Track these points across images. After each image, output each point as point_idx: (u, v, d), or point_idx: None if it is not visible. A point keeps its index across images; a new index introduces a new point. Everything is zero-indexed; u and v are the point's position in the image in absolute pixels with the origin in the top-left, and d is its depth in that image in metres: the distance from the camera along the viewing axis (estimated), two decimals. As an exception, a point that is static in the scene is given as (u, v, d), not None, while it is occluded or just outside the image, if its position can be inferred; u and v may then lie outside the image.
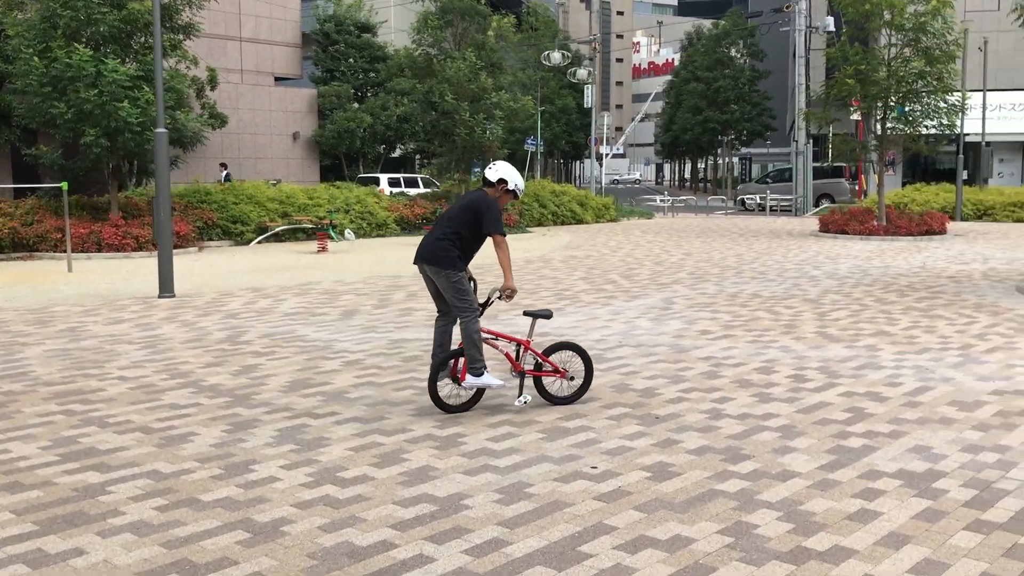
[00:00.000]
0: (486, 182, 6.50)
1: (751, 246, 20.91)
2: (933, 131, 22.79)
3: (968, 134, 32.10)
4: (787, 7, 39.82)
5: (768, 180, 42.31)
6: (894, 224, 23.06)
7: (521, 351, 6.66)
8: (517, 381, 6.77)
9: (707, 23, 70.42)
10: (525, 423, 6.28)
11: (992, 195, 29.89)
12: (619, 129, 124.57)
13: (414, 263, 6.52)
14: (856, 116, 30.70)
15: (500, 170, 6.49)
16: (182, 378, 7.73)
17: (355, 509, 4.71)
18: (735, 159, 66.65)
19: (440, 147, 27.00)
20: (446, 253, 6.32)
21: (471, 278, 6.57)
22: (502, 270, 6.42)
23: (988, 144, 33.30)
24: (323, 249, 19.68)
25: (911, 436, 5.97)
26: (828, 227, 24.10)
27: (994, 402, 6.83)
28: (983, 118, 31.48)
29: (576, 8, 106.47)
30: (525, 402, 6.62)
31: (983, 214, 29.31)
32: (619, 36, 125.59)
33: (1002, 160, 44.05)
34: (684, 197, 40.75)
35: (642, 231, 26.37)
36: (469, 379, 6.39)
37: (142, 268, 16.29)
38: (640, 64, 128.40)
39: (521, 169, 51.06)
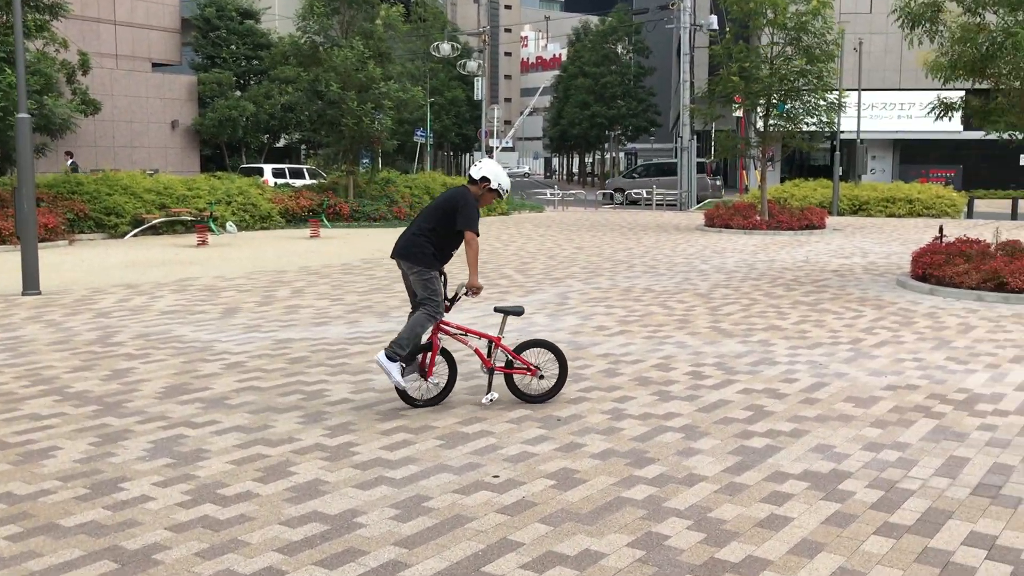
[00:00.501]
0: (470, 180, 6.42)
1: (640, 240, 21.06)
2: (813, 128, 23.43)
3: (843, 131, 33.27)
4: (672, 5, 40.43)
5: (635, 175, 42.60)
6: (776, 219, 23.63)
7: (492, 347, 6.50)
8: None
9: (594, 19, 71.19)
10: (421, 429, 5.96)
11: (866, 191, 31.02)
12: (508, 122, 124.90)
13: (391, 257, 6.42)
14: (739, 113, 31.43)
15: (484, 168, 6.42)
16: (45, 384, 7.09)
17: (237, 531, 4.31)
18: (622, 154, 67.60)
19: (327, 137, 26.28)
20: (421, 250, 6.24)
21: (441, 272, 6.46)
22: (468, 267, 6.32)
23: (862, 141, 34.60)
24: (203, 243, 18.81)
25: (812, 435, 5.92)
26: (713, 221, 24.53)
27: (888, 397, 6.88)
28: (858, 116, 32.68)
29: (464, 1, 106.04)
30: (491, 400, 6.51)
31: (858, 209, 30.39)
32: (507, 30, 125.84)
33: (874, 157, 46.00)
34: (574, 191, 40.92)
35: (533, 225, 26.30)
36: (380, 356, 6.19)
37: (4, 263, 15.19)
38: (528, 58, 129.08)
39: (410, 160, 50.49)
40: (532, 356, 6.70)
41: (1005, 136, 12.77)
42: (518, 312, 6.60)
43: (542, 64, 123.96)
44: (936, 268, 12.64)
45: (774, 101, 22.87)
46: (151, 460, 5.32)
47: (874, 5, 43.86)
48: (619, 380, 7.37)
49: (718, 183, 41.70)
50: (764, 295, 12.27)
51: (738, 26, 24.74)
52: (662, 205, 36.75)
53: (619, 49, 62.63)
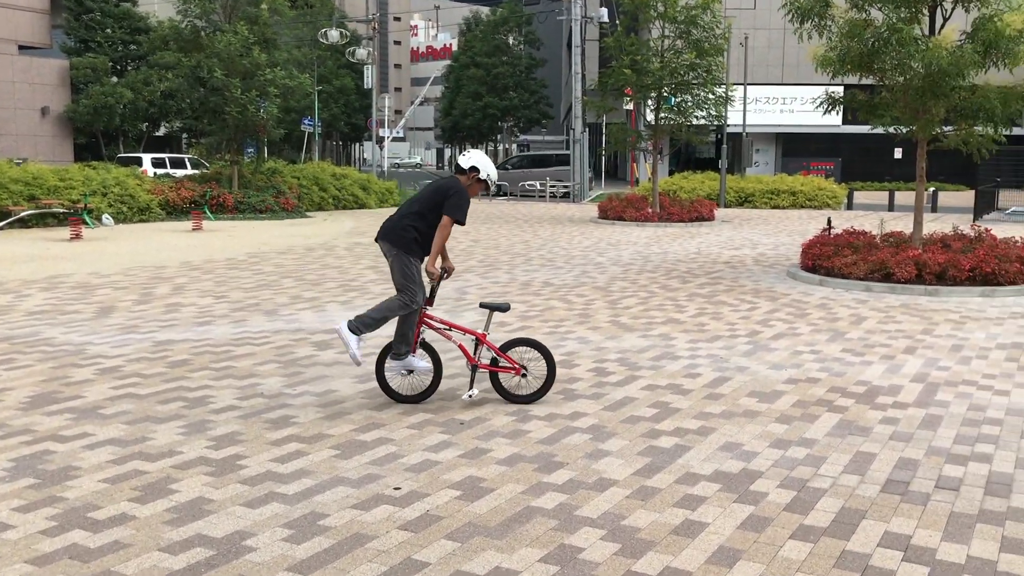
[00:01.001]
0: (459, 169, 6.31)
1: (537, 233, 20.95)
2: (703, 121, 23.76)
3: (729, 125, 34.00)
4: (563, -4, 40.53)
5: (508, 167, 42.21)
6: (667, 211, 23.89)
7: (478, 344, 6.34)
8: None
9: (485, 9, 70.89)
10: (315, 438, 5.59)
11: (752, 183, 31.76)
12: (399, 112, 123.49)
13: (375, 240, 6.28)
14: (630, 106, 31.73)
15: (473, 158, 6.31)
16: None
17: (110, 561, 3.88)
18: (514, 145, 67.66)
19: (209, 125, 25.25)
20: (405, 234, 6.11)
21: (445, 270, 6.44)
22: (431, 248, 6.19)
23: (747, 135, 35.42)
24: (77, 236, 17.74)
25: (720, 432, 5.81)
26: (607, 214, 24.64)
27: (790, 391, 6.86)
28: (744, 110, 33.44)
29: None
30: (471, 396, 6.32)
31: (744, 201, 31.09)
32: (397, 18, 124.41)
33: (758, 150, 47.29)
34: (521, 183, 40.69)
35: (426, 216, 25.86)
36: (342, 325, 6.14)
37: None
38: (418, 48, 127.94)
39: (298, 150, 49.23)
40: (518, 355, 6.49)
41: (891, 130, 13.09)
42: (504, 308, 6.44)
43: (433, 54, 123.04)
44: (825, 259, 12.89)
45: (665, 94, 23.09)
46: (11, 481, 4.80)
47: (758, 1, 45.00)
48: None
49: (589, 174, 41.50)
50: (661, 288, 12.26)
51: (629, 19, 24.89)
52: (545, 196, 36.85)
53: (510, 40, 62.59)
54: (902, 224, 23.01)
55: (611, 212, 24.48)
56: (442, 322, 6.37)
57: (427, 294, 6.35)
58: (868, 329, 9.39)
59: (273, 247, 16.83)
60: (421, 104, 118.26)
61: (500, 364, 6.36)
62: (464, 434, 5.69)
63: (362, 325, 6.11)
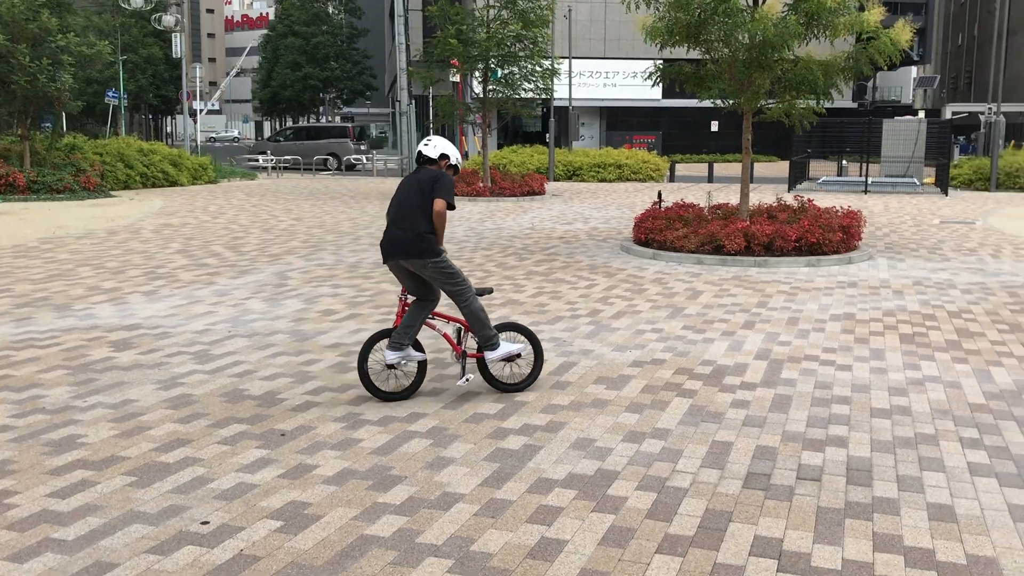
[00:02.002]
0: (426, 160, 5.99)
1: (364, 209, 20.09)
2: (531, 94, 23.50)
3: (556, 98, 34.06)
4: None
5: (279, 139, 40.53)
6: (499, 185, 23.55)
7: (462, 332, 6.11)
8: (518, 347, 6.04)
9: (303, -23, 68.25)
10: (107, 462, 4.74)
11: (579, 156, 31.93)
12: (213, 84, 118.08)
13: (384, 262, 5.87)
14: (457, 78, 31.14)
15: (440, 145, 6.04)
16: None
17: None
18: (338, 118, 65.78)
19: (-6, 97, 22.79)
20: (425, 242, 5.76)
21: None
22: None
23: (573, 108, 35.61)
24: None
25: (570, 427, 5.37)
26: (437, 188, 24.01)
27: (637, 375, 6.53)
28: (569, 84, 33.52)
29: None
30: (468, 380, 5.97)
31: (572, 174, 31.22)
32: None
33: (584, 124, 47.86)
34: (289, 156, 38.90)
35: (246, 193, 24.47)
36: (489, 355, 5.95)
37: None
38: (233, 16, 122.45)
39: (102, 124, 45.83)
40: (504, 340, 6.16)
41: (717, 102, 13.11)
42: (488, 292, 6.15)
43: (248, 23, 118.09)
44: (657, 233, 12.81)
45: (492, 66, 22.64)
46: None
47: (579, -25, 45.29)
48: (352, 376, 6.47)
49: (363, 147, 40.52)
50: (497, 266, 11.81)
51: (453, -12, 24.22)
52: (329, 169, 35.87)
53: (330, 9, 60.56)
54: (725, 195, 23.62)
55: (440, 187, 23.86)
56: (441, 316, 6.11)
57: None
58: (705, 304, 9.27)
59: (70, 231, 15.25)
60: (237, 75, 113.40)
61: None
62: (285, 448, 4.99)
63: (488, 341, 5.94)
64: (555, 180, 30.73)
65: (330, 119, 67.80)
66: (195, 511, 4.13)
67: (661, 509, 4.23)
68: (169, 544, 3.81)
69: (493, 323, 6.68)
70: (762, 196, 23.59)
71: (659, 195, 15.01)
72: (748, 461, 4.86)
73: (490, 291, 6.21)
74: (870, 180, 26.86)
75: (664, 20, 12.28)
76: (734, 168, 39.69)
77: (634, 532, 3.98)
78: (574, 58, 39.34)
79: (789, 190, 26.42)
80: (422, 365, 6.05)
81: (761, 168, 39.85)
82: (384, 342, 6.34)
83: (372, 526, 4.00)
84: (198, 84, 35.50)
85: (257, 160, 36.26)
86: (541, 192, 24.03)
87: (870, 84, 60.94)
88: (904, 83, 68.24)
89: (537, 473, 4.66)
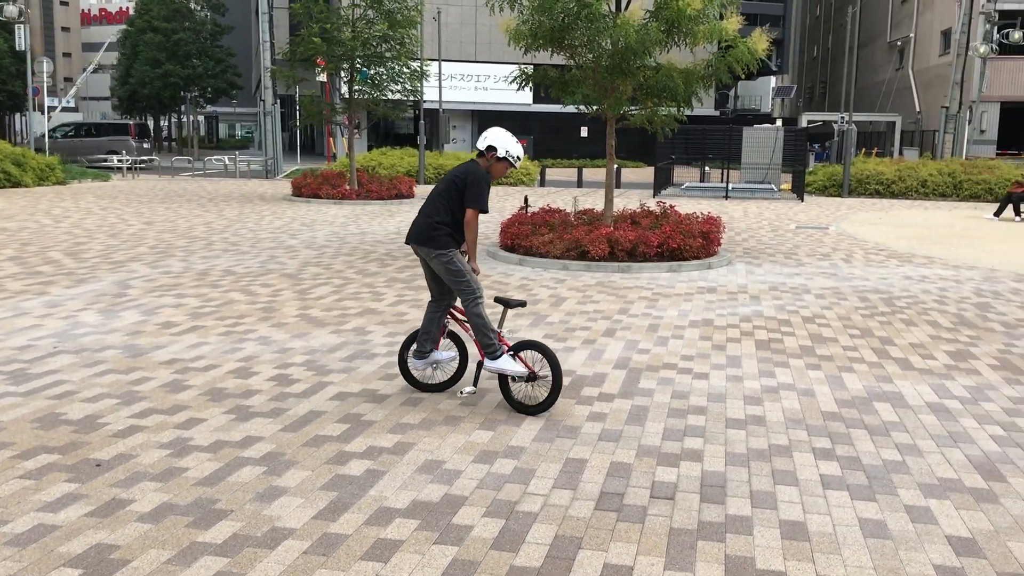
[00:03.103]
0: (478, 153, 5.91)
1: (222, 212, 19.23)
2: (398, 95, 23.08)
3: (426, 101, 33.69)
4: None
5: (56, 136, 37.99)
6: (366, 188, 23.02)
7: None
8: (519, 371, 5.70)
9: (163, -30, 65.54)
10: None
11: (450, 159, 31.65)
12: (69, 80, 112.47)
13: (406, 243, 5.99)
14: (323, 77, 30.36)
15: (488, 137, 5.86)
16: None
17: None
18: (201, 118, 63.46)
19: None
20: (437, 232, 5.74)
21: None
22: (467, 247, 5.85)
23: (444, 111, 35.31)
24: None
25: (419, 448, 5.06)
26: (301, 191, 23.31)
27: (494, 389, 6.27)
28: (439, 86, 33.21)
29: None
30: (471, 393, 5.95)
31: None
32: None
33: (455, 127, 47.63)
34: (146, 157, 37.13)
35: (96, 196, 23.11)
36: (488, 363, 5.74)
37: None
38: (90, 10, 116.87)
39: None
40: (528, 359, 6.00)
41: (581, 108, 13.06)
42: (522, 304, 5.86)
43: (107, 17, 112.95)
44: (524, 238, 12.65)
45: (358, 66, 22.11)
46: None
47: (449, -23, 45.05)
48: (186, 396, 5.98)
49: (146, 146, 39.25)
50: (358, 272, 11.39)
51: (319, -15, 23.54)
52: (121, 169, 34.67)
53: (192, 4, 58.34)
54: (592, 200, 23.79)
55: (306, 189, 23.19)
56: (463, 313, 5.91)
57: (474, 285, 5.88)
58: (568, 311, 9.12)
59: None
60: (95, 71, 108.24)
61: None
62: (98, 481, 4.49)
63: (487, 349, 5.71)
64: (426, 183, 30.36)
65: (193, 119, 65.36)
66: (-21, 562, 3.62)
67: (508, 538, 3.97)
68: (-59, 604, 3.30)
69: (195, 334, 6.46)
70: (627, 202, 23.88)
71: (525, 200, 14.88)
72: (602, 480, 4.66)
73: (522, 304, 5.86)
74: (731, 186, 27.61)
75: (528, 24, 12.13)
76: (602, 173, 40.25)
77: (477, 566, 3.70)
78: (444, 60, 39.07)
79: (654, 195, 26.87)
80: (462, 356, 6.14)
81: (628, 173, 40.55)
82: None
83: (186, 571, 3.59)
84: (45, 79, 33.41)
85: (108, 159, 34.43)
86: (410, 196, 23.63)
87: (731, 93, 63.08)
88: (763, 92, 70.96)
89: (378, 502, 4.33)
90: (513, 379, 5.75)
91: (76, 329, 7.85)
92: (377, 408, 5.79)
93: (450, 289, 5.97)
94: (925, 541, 4.02)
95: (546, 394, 5.77)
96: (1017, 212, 20.72)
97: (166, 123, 72.70)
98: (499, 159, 5.84)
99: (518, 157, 5.87)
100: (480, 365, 5.94)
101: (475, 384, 6.04)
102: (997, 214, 20.95)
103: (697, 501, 4.41)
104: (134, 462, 4.75)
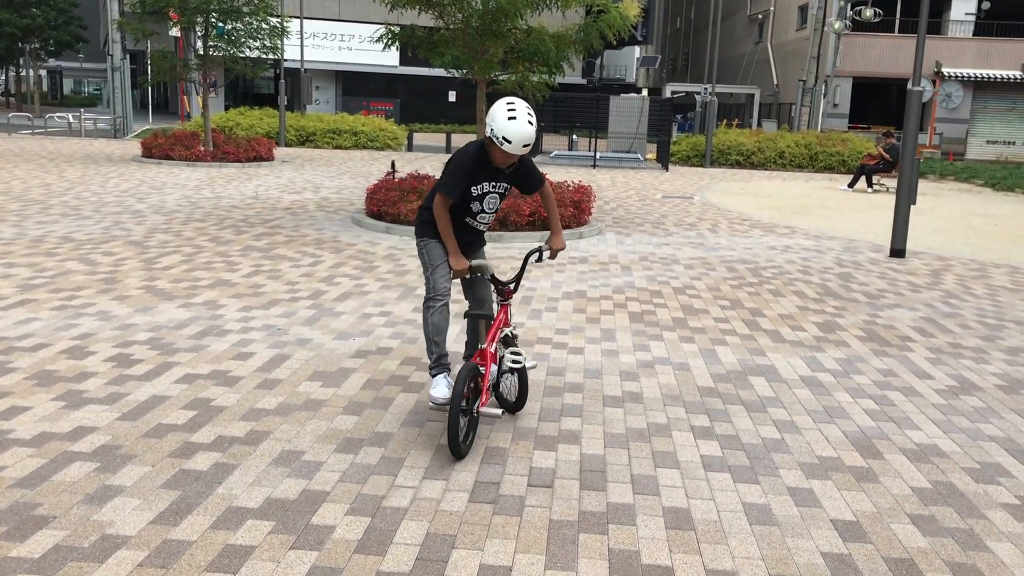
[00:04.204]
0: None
1: (63, 174, 17.84)
2: (257, 53, 21.98)
3: (288, 60, 32.36)
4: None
5: None
6: (222, 150, 21.88)
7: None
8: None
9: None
10: None
11: (313, 121, 30.52)
12: None
13: None
14: (176, 32, 28.65)
15: (492, 112, 4.51)
16: None
17: None
18: (43, 72, 59.34)
19: None
20: (419, 216, 4.84)
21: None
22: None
23: (306, 71, 34.03)
24: None
25: (275, 438, 4.61)
26: (152, 152, 21.95)
27: (360, 367, 5.86)
28: (301, 44, 31.92)
29: None
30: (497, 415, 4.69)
31: (305, 140, 29.81)
32: None
33: (318, 87, 46.11)
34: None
35: (-82, 154, 21.11)
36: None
37: None
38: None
39: None
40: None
41: (451, 71, 12.61)
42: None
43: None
44: (391, 205, 12.15)
45: (213, 20, 20.88)
46: None
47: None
48: (9, 380, 5.30)
49: None
50: (211, 240, 10.65)
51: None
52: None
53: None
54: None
55: (156, 150, 21.84)
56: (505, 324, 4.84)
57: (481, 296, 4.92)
58: (438, 282, 8.73)
59: None
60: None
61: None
62: None
63: (430, 358, 4.74)
64: (286, 146, 29.21)
65: (35, 73, 61.01)
66: None
67: (374, 539, 3.60)
68: None
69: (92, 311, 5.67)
70: (498, 168, 23.59)
71: (392, 165, 14.35)
72: (476, 467, 4.34)
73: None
74: (598, 155, 27.71)
75: (394, -20, 11.56)
76: (472, 139, 39.84)
77: (339, 573, 3.32)
78: (307, 18, 37.63)
79: (524, 162, 26.66)
80: (522, 378, 4.96)
81: (497, 140, 40.20)
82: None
83: (-7, 596, 3.06)
84: None
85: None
86: (270, 158, 22.62)
87: (598, 62, 63.58)
88: (629, 62, 71.89)
89: (227, 500, 3.87)
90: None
91: None
92: (229, 392, 5.28)
93: (481, 294, 4.93)
94: (811, 526, 3.88)
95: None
96: (870, 183, 21.56)
97: (2, 77, 67.66)
98: (490, 138, 4.49)
99: (504, 139, 4.41)
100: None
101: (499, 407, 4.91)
102: (851, 185, 21.75)
103: (577, 488, 4.16)
104: (-61, 462, 4.12)
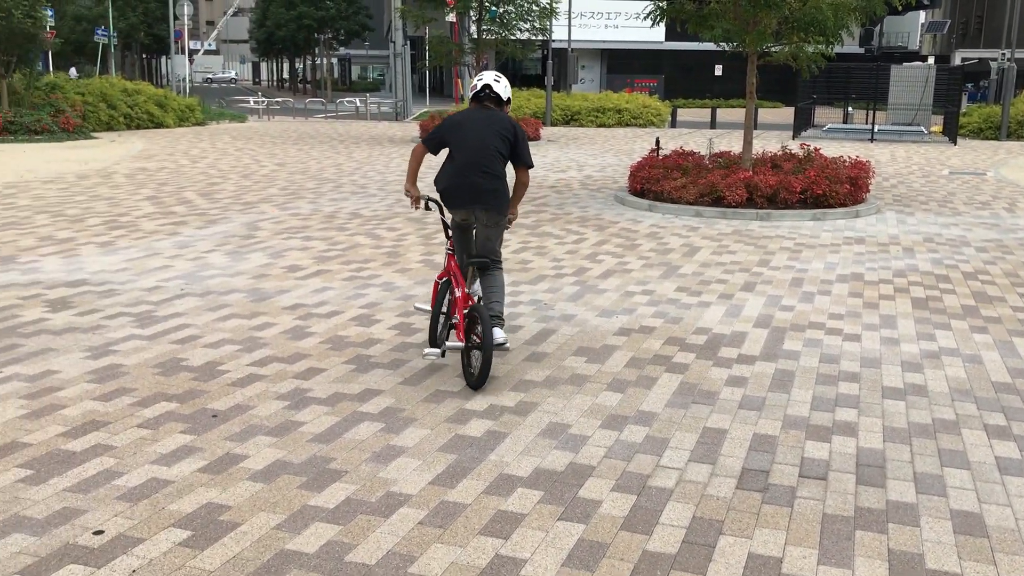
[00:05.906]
0: (495, 98, 5.22)
1: (351, 155, 19.30)
2: (526, 35, 22.57)
3: (554, 40, 32.95)
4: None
5: None
6: (493, 129, 22.69)
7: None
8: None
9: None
10: (4, 449, 4.11)
11: (578, 100, 30.96)
12: (211, 23, 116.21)
13: (452, 208, 5.08)
14: (452, 17, 30.03)
15: (508, 85, 5.36)
16: None
17: None
18: (335, 60, 64.42)
19: (-32, 34, 21.85)
20: (506, 199, 5.14)
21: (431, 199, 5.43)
22: (513, 203, 5.36)
23: (573, 50, 34.51)
24: None
25: (542, 409, 4.74)
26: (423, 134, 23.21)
27: (623, 345, 5.88)
28: (568, 24, 32.39)
29: None
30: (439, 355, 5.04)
31: (570, 119, 30.29)
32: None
33: (584, 66, 46.64)
34: (281, 99, 37.91)
35: (232, 136, 23.63)
36: (499, 333, 5.00)
37: None
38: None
39: (91, 64, 44.64)
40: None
41: (721, 44, 12.29)
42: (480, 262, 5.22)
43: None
44: (654, 183, 12.08)
45: (486, 5, 21.66)
46: None
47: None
48: (308, 344, 5.83)
49: None
50: (481, 217, 11.11)
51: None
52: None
53: (326, -54, 58.87)
54: (727, 143, 22.79)
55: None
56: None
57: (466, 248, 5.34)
58: (702, 262, 8.59)
59: (39, 175, 14.52)
60: (235, 15, 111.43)
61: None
62: (214, 433, 4.36)
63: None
64: (552, 125, 29.83)
65: (327, 61, 66.40)
66: (91, 516, 3.51)
67: (640, 517, 3.61)
68: (49, 562, 3.19)
69: (314, 279, 5.80)
70: (766, 143, 22.77)
71: (657, 142, 14.24)
72: (743, 454, 4.23)
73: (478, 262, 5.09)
74: (876, 128, 25.99)
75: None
76: (737, 114, 38.71)
77: (606, 549, 3.36)
78: (575, -2, 38.10)
79: (793, 137, 25.57)
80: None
81: (765, 114, 38.88)
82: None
83: (296, 538, 3.38)
84: (186, 22, 34.33)
85: (248, 102, 35.30)
86: (536, 137, 23.21)
87: (876, 29, 59.47)
88: (912, 28, 66.61)
89: (499, 468, 4.04)
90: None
91: (203, 271, 7.85)
92: (499, 362, 5.49)
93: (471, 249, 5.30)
94: None
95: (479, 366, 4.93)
96: None
97: (301, 66, 74.14)
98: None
99: (483, 86, 5.19)
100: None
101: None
102: None
103: (852, 483, 3.94)
104: (250, 414, 4.60)
